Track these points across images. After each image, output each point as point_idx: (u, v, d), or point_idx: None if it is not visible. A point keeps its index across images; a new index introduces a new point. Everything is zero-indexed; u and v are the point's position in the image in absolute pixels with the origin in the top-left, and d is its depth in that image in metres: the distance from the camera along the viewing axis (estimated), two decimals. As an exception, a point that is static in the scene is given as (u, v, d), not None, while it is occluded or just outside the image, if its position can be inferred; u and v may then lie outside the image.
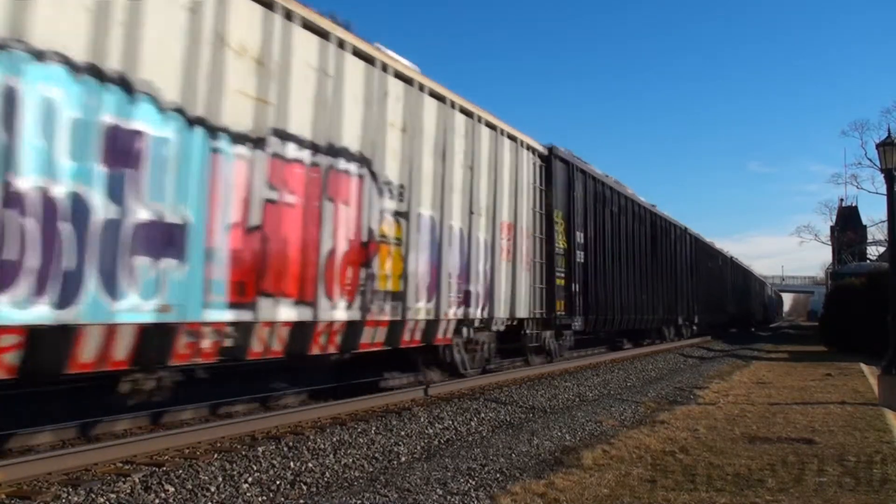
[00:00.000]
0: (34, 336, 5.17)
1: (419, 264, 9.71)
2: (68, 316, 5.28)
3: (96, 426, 6.97)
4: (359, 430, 7.54)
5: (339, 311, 8.19)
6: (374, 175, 8.81)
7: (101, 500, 4.89)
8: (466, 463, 6.60)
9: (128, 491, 5.10)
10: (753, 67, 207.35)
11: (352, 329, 8.49)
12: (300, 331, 7.66)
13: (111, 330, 5.69)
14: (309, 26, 7.70)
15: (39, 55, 5.13)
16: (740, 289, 45.34)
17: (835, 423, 9.15)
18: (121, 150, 5.66)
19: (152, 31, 5.92)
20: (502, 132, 12.32)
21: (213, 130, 6.48)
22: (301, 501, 5.43)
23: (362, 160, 8.61)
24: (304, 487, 5.79)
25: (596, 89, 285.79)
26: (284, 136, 7.35)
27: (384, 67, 8.99)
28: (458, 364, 11.48)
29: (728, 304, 38.76)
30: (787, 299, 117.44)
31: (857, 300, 23.78)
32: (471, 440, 7.93)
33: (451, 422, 8.55)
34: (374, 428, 7.68)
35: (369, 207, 8.72)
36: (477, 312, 11.35)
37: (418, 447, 7.42)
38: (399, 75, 9.34)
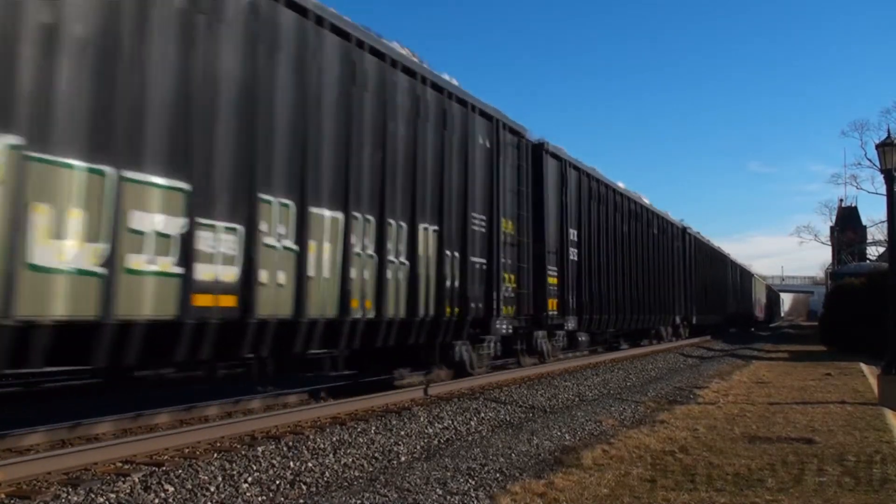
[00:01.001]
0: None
1: None
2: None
3: (96, 426, 6.96)
4: (358, 429, 7.53)
5: None
6: None
7: (101, 499, 4.89)
8: (466, 463, 6.60)
9: (127, 491, 5.10)
10: (753, 67, 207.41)
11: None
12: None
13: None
14: None
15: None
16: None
17: (834, 422, 9.15)
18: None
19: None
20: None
21: None
22: (301, 501, 5.42)
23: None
24: (304, 487, 5.78)
25: (595, 89, 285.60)
26: None
27: None
28: None
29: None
30: (787, 299, 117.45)
31: (857, 300, 23.78)
32: (470, 440, 7.93)
33: (450, 421, 8.55)
34: (373, 428, 7.67)
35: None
36: None
37: (418, 447, 7.42)
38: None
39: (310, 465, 6.26)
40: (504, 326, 12.21)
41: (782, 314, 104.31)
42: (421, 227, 9.77)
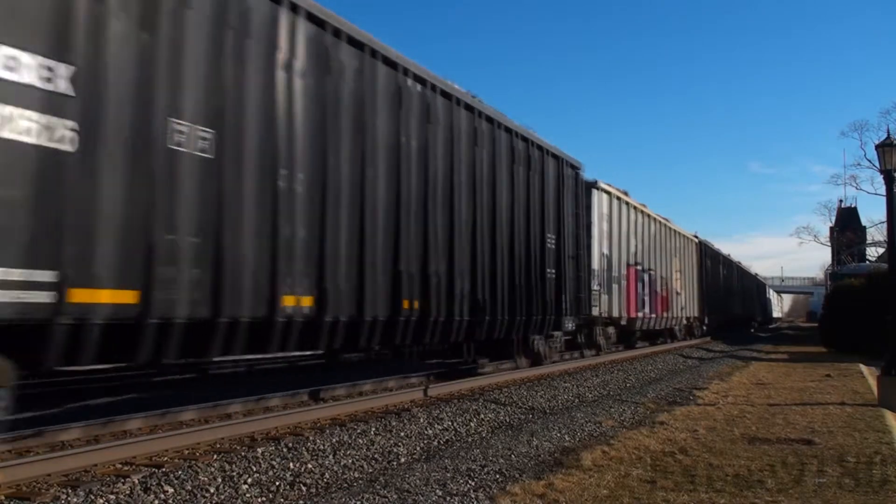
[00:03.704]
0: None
1: None
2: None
3: (94, 427, 6.96)
4: (358, 430, 7.53)
5: None
6: None
7: (101, 501, 4.89)
8: (466, 464, 6.60)
9: (127, 492, 5.10)
10: (753, 67, 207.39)
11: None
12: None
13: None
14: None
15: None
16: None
17: (834, 423, 9.15)
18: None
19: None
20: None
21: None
22: (300, 502, 5.43)
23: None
24: (304, 488, 5.79)
25: (595, 89, 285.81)
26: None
27: None
28: None
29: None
30: (787, 300, 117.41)
31: (857, 301, 23.78)
32: (470, 441, 7.93)
33: (450, 423, 8.55)
34: (373, 429, 7.67)
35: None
36: None
37: (418, 448, 7.42)
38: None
39: (309, 466, 6.27)
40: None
41: (777, 314, 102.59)
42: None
